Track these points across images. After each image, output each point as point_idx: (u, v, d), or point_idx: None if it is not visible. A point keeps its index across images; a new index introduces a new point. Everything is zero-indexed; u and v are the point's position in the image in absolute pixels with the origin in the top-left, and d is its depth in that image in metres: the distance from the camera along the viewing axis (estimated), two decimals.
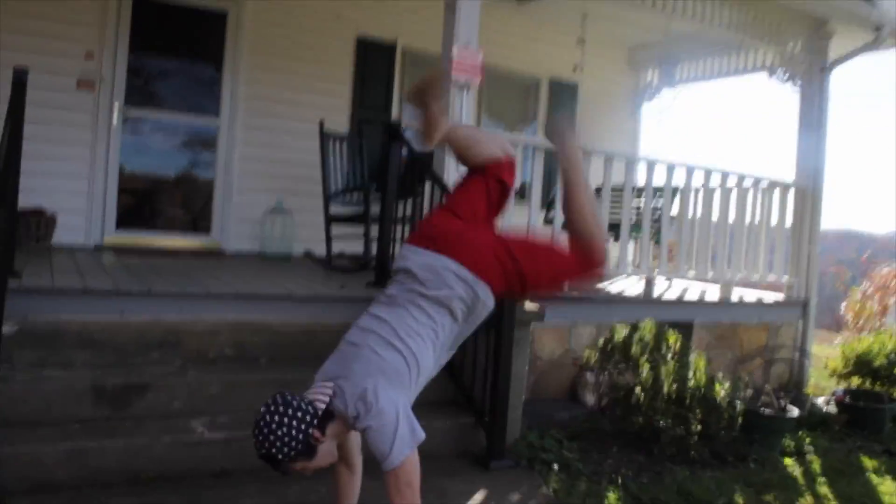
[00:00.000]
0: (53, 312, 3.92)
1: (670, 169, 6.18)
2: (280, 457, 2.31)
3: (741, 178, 6.57)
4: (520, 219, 5.72)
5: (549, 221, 6.22)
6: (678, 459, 4.15)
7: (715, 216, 6.54)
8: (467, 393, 4.19)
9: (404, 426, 2.33)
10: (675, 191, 6.45)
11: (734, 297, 6.75)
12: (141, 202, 7.01)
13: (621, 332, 4.42)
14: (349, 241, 6.28)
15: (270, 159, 7.09)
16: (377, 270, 5.25)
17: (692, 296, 6.54)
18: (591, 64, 8.57)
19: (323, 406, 2.39)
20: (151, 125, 6.93)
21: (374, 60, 7.66)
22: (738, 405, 4.30)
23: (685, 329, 6.27)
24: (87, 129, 6.36)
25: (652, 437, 4.16)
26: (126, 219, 6.68)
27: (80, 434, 3.33)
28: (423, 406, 4.11)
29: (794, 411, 4.76)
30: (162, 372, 3.82)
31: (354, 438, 2.72)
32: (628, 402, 4.21)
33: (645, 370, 4.15)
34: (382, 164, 5.44)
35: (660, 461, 4.11)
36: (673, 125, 31.80)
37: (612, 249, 6.13)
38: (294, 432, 2.27)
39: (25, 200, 5.85)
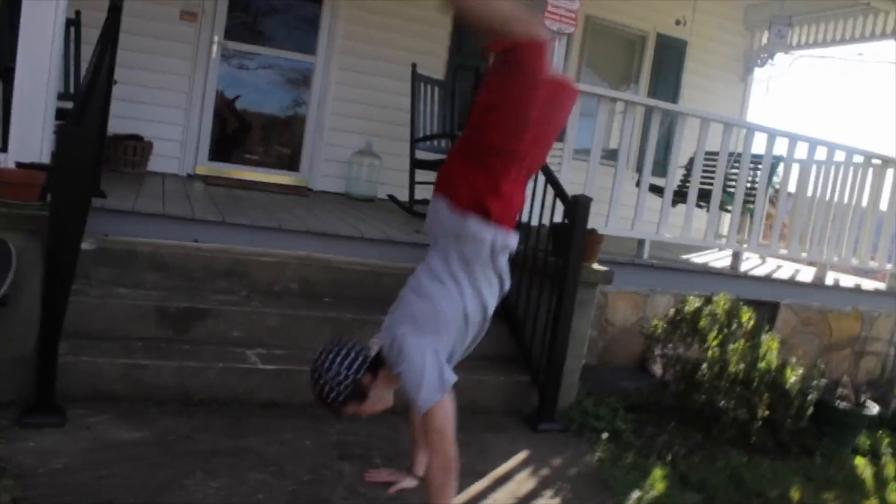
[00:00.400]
0: (131, 234, 4.09)
1: (771, 137, 5.81)
2: (330, 399, 2.36)
3: (850, 154, 6.11)
4: (606, 179, 5.54)
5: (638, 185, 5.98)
6: (738, 444, 3.98)
7: (816, 192, 6.14)
8: (526, 351, 4.12)
9: (432, 373, 2.30)
10: (774, 163, 6.08)
11: (829, 280, 6.37)
12: (235, 135, 7.17)
13: (693, 304, 4.22)
14: None
15: (363, 101, 7.08)
16: None
17: (782, 274, 6.20)
18: (702, 21, 8.14)
19: (375, 351, 2.41)
20: (248, 60, 7.05)
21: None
22: (811, 394, 4.06)
23: (771, 309, 5.99)
24: (187, 60, 6.51)
25: (712, 417, 3.99)
26: (219, 150, 6.85)
27: (140, 351, 3.47)
28: (481, 360, 4.13)
29: (874, 408, 4.47)
30: (226, 300, 3.91)
31: None
32: (692, 379, 4.04)
33: (711, 346, 3.97)
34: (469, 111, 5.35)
35: (718, 443, 3.95)
36: (784, 94, 29.95)
37: (701, 220, 5.87)
38: (343, 376, 2.32)
39: (124, 127, 6.13)
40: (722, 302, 4.18)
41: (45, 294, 3.03)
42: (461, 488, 2.97)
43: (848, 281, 6.70)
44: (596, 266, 4.09)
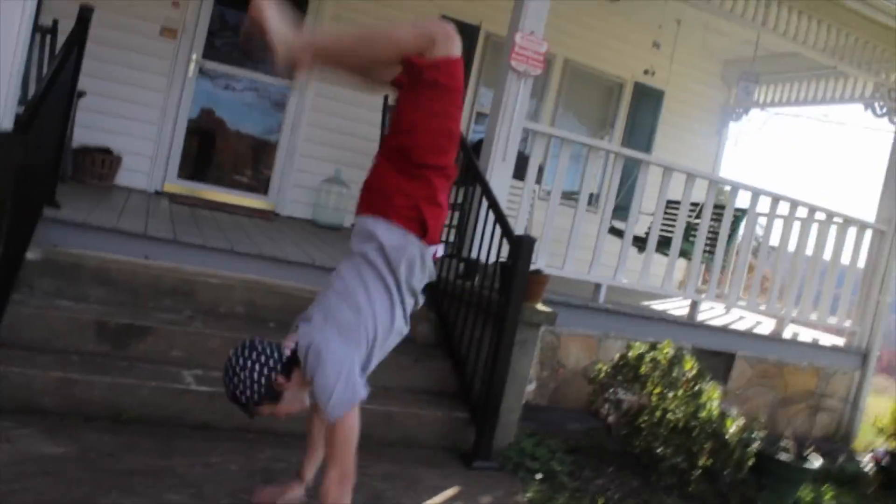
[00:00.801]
0: (81, 246, 4.08)
1: (734, 190, 5.91)
2: (244, 400, 2.34)
3: (812, 210, 6.21)
4: (591, 226, 5.59)
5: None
6: (676, 492, 3.97)
7: (777, 244, 6.22)
8: (467, 387, 4.13)
9: (346, 385, 2.30)
10: (738, 215, 6.16)
11: (786, 334, 6.42)
12: (205, 155, 7.19)
13: (637, 350, 4.24)
14: None
15: (335, 129, 7.14)
16: None
17: (740, 325, 6.25)
18: (680, 73, 8.29)
19: (289, 351, 2.39)
20: (225, 80, 7.09)
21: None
22: (751, 445, 4.07)
23: (726, 359, 6.04)
24: (164, 76, 6.55)
25: (651, 464, 3.99)
26: (188, 168, 6.86)
27: (74, 365, 3.43)
28: (423, 393, 4.15)
29: (817, 461, 4.48)
30: (169, 319, 3.89)
31: None
32: (633, 424, 4.05)
33: (652, 392, 3.99)
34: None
35: (655, 490, 3.94)
36: (757, 148, 30.47)
37: (662, 267, 5.91)
38: (256, 376, 2.30)
39: (94, 138, 6.15)
40: (665, 349, 4.19)
41: None
42: None
43: (806, 335, 6.78)
44: (540, 306, 4.10)
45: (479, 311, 4.14)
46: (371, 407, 3.76)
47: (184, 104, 6.66)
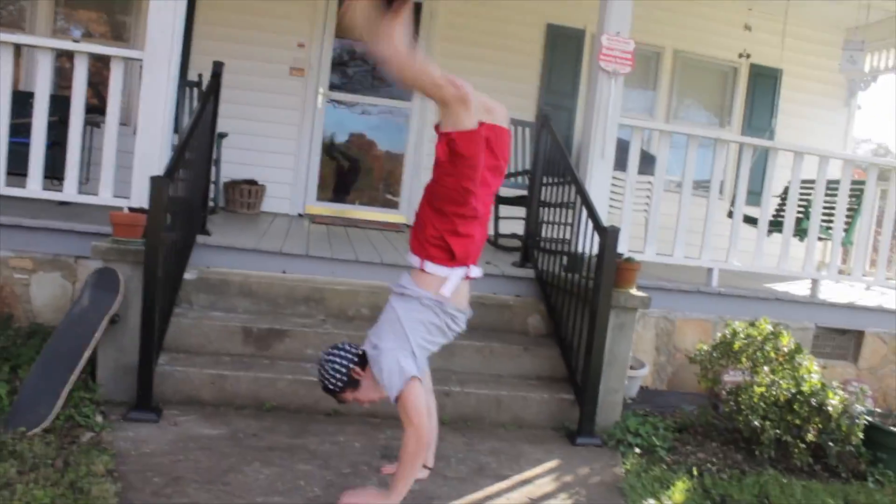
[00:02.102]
0: (228, 266, 4.75)
1: (846, 164, 5.83)
2: (331, 387, 2.84)
3: None
4: (696, 209, 5.72)
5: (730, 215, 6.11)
6: (781, 465, 4.06)
7: None
8: (573, 371, 4.42)
9: (393, 369, 2.71)
10: (855, 189, 6.07)
11: None
12: (339, 177, 7.92)
13: (732, 328, 4.37)
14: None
15: None
16: (522, 250, 5.58)
17: (867, 302, 6.10)
18: (796, 48, 8.12)
19: (360, 351, 2.87)
20: (351, 108, 7.77)
21: (562, 47, 7.88)
22: (860, 417, 4.10)
23: (855, 337, 5.94)
24: (296, 110, 7.29)
25: (754, 439, 4.11)
26: (323, 190, 7.58)
27: (225, 365, 4.08)
28: (534, 379, 4.51)
29: None
30: (303, 323, 4.48)
31: (426, 384, 3.04)
32: (735, 400, 4.18)
33: (744, 368, 4.11)
34: (535, 150, 5.73)
35: (760, 464, 4.06)
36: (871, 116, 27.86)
37: (788, 247, 5.87)
38: (338, 367, 2.80)
39: (241, 172, 6.97)
40: (762, 325, 4.30)
41: (143, 316, 3.67)
42: (481, 487, 3.36)
43: None
44: (634, 291, 4.34)
45: (580, 300, 4.43)
46: (482, 392, 4.21)
47: (315, 133, 7.38)
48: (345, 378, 2.80)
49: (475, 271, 2.86)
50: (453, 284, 2.78)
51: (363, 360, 2.83)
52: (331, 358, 2.82)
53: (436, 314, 2.79)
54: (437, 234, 2.73)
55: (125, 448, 3.30)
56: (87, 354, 3.59)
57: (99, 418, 3.52)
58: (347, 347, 2.86)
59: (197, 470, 3.17)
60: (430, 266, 2.77)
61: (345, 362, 2.80)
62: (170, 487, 3.00)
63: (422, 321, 2.78)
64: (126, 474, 3.06)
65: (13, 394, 3.51)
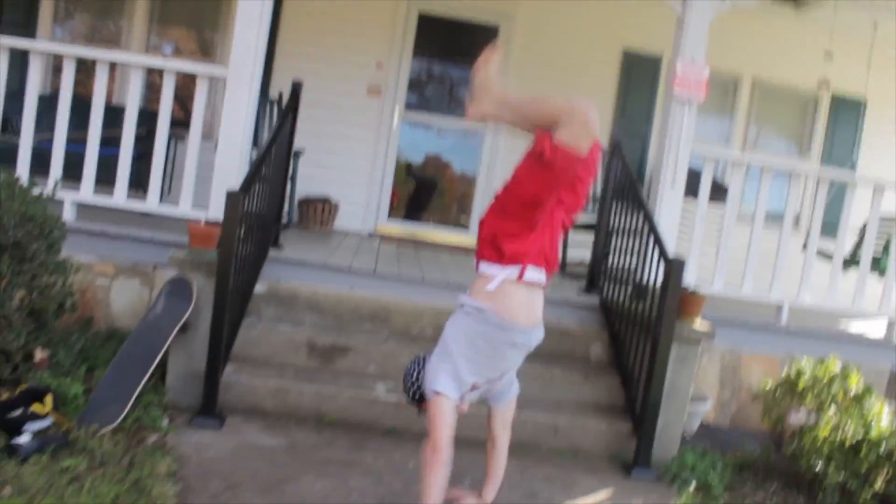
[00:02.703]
0: (297, 280, 4.88)
1: None
2: (409, 396, 2.92)
3: None
4: (768, 242, 5.60)
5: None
6: None
7: None
8: (632, 402, 4.38)
9: (428, 377, 2.80)
10: None
11: None
12: (411, 197, 8.04)
13: (799, 366, 4.25)
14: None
15: None
16: (588, 277, 5.56)
17: None
18: (883, 77, 7.86)
19: None
20: (426, 128, 7.89)
21: (638, 73, 7.83)
22: None
23: None
24: (371, 129, 7.44)
25: (816, 483, 3.99)
26: (395, 210, 7.70)
27: (289, 377, 4.19)
28: (591, 408, 4.52)
29: None
30: (367, 339, 4.57)
31: (499, 416, 3.11)
32: (799, 441, 4.07)
33: (811, 409, 4.00)
34: (605, 177, 5.71)
35: None
36: None
37: (864, 285, 5.67)
38: (416, 378, 2.86)
39: (315, 189, 7.16)
40: (830, 365, 4.17)
41: (212, 325, 3.82)
42: None
43: None
44: (698, 324, 4.28)
45: (643, 330, 4.39)
46: (540, 418, 4.21)
47: (390, 153, 7.52)
48: (421, 391, 2.83)
49: (532, 273, 2.71)
50: (499, 281, 2.69)
51: None
52: (413, 370, 2.90)
53: (477, 323, 2.73)
54: (491, 234, 2.70)
55: (187, 452, 3.44)
56: (157, 360, 3.75)
57: (165, 421, 3.67)
58: (425, 361, 2.91)
59: (254, 477, 3.28)
60: (482, 266, 2.75)
61: (422, 375, 2.85)
62: (227, 492, 3.11)
63: (464, 332, 2.77)
64: (187, 477, 3.18)
65: (88, 392, 3.69)
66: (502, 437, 3.13)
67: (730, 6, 5.29)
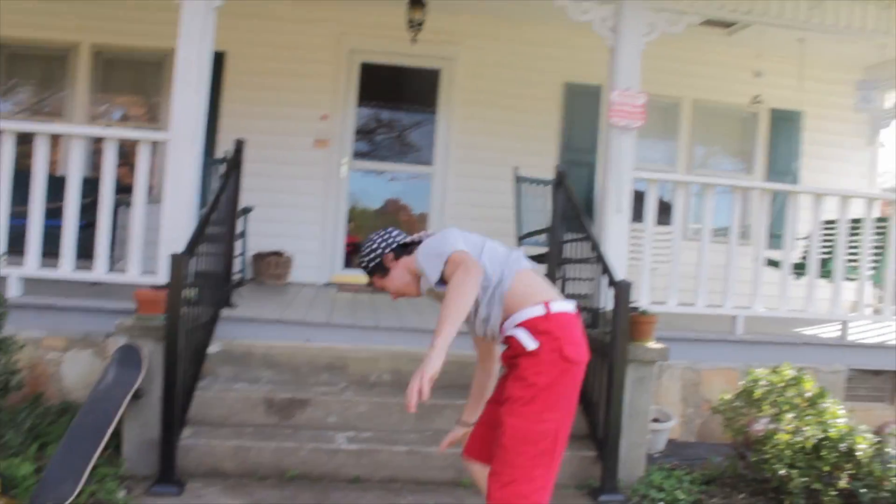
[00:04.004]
0: (253, 337, 4.86)
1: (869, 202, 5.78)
2: (363, 263, 2.83)
3: None
4: (719, 256, 5.68)
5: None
6: None
7: None
8: (594, 427, 4.39)
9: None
10: (880, 225, 5.99)
11: None
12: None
13: (754, 375, 4.31)
14: None
15: (477, 203, 7.71)
16: None
17: None
18: (815, 90, 8.13)
19: (406, 240, 2.84)
20: (374, 175, 7.96)
21: (580, 104, 7.98)
22: (893, 462, 3.99)
23: (892, 377, 5.78)
24: (321, 180, 7.49)
25: (782, 488, 4.02)
26: (351, 259, 7.71)
27: (248, 435, 4.14)
28: None
29: None
30: (325, 391, 4.54)
31: (493, 345, 2.92)
32: (761, 449, 4.10)
33: (770, 416, 4.04)
34: (553, 207, 5.79)
35: None
36: None
37: (813, 289, 5.78)
38: (375, 248, 2.78)
39: (269, 244, 7.15)
40: (783, 371, 4.24)
41: (164, 390, 3.78)
42: None
43: None
44: (651, 344, 4.33)
45: (600, 355, 4.41)
46: None
47: (341, 202, 7.56)
48: (377, 260, 2.77)
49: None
50: None
51: (399, 249, 2.78)
52: (374, 238, 2.81)
53: None
54: None
55: None
56: (111, 430, 3.68)
57: (122, 493, 3.60)
58: (390, 233, 2.83)
59: None
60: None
61: (382, 245, 2.78)
62: None
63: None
64: None
65: (40, 471, 3.61)
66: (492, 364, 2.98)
67: (658, 34, 5.44)
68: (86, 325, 4.80)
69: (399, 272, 2.78)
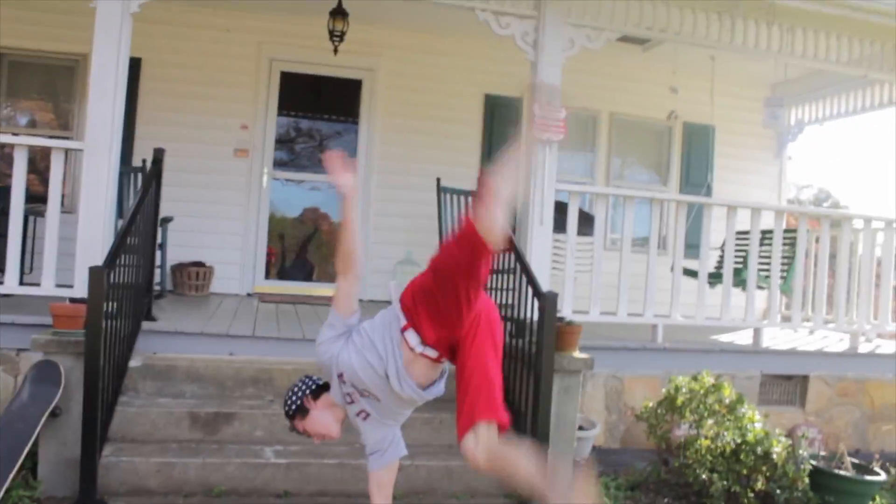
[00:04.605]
0: (175, 351, 4.74)
1: (778, 215, 6.07)
2: (285, 410, 2.89)
3: (867, 221, 6.26)
4: (639, 265, 5.85)
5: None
6: None
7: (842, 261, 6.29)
8: (520, 437, 4.45)
9: None
10: (788, 236, 6.31)
11: (863, 349, 6.38)
12: (285, 254, 7.99)
13: (676, 383, 4.47)
14: None
15: (402, 214, 7.72)
16: None
17: (809, 346, 6.27)
18: (725, 106, 8.48)
19: (322, 382, 2.91)
20: (294, 185, 7.90)
21: (500, 115, 8.09)
22: (805, 462, 4.19)
23: (801, 382, 6.08)
24: (241, 190, 7.37)
25: (703, 492, 4.17)
26: (273, 268, 7.61)
27: (173, 452, 4.03)
28: None
29: (882, 475, 4.51)
30: (251, 405, 4.46)
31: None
32: (683, 454, 4.25)
33: (690, 422, 4.20)
34: None
35: None
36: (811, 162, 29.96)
37: (728, 298, 6.00)
38: (294, 396, 2.87)
39: (189, 255, 6.97)
40: (703, 379, 4.40)
41: (84, 407, 3.64)
42: None
43: (889, 347, 6.67)
44: (577, 354, 4.43)
45: (526, 365, 4.49)
46: (433, 463, 4.20)
47: (262, 213, 7.45)
48: (297, 405, 2.83)
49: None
50: None
51: (317, 391, 2.86)
52: (293, 387, 2.89)
53: None
54: None
55: None
56: (26, 451, 3.53)
57: None
58: (308, 380, 2.90)
59: None
60: None
61: (300, 392, 2.85)
62: None
63: None
64: None
65: None
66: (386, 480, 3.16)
67: (578, 49, 5.58)
68: None
69: (319, 412, 2.85)
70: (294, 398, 2.85)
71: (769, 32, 5.99)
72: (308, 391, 2.86)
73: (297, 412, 2.85)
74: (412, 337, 2.66)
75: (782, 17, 5.76)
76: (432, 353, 2.67)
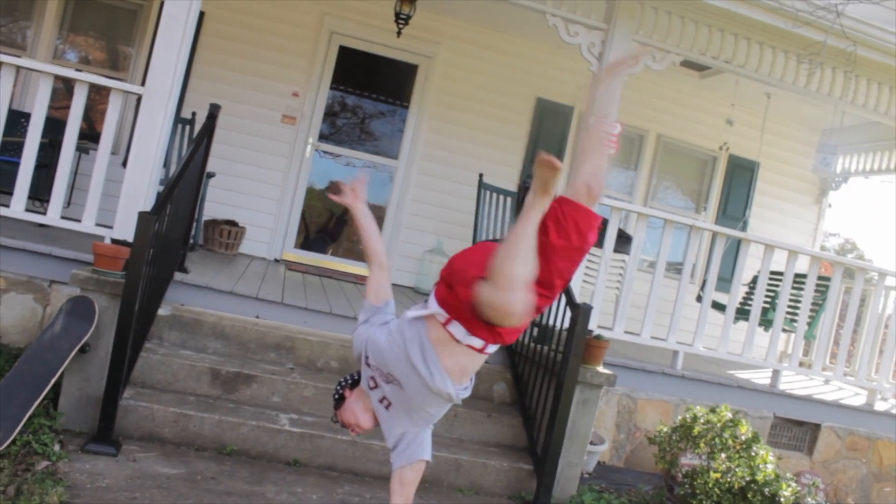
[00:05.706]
0: (202, 305, 4.78)
1: (814, 261, 6.03)
2: (333, 402, 2.94)
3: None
4: (666, 290, 5.82)
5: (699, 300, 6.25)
6: None
7: (870, 316, 6.25)
8: (534, 442, 4.47)
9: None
10: (820, 284, 6.26)
11: (880, 406, 6.34)
12: (314, 225, 8.03)
13: (693, 412, 4.46)
14: None
15: (438, 203, 7.74)
16: None
17: (826, 396, 6.24)
18: (773, 144, 8.44)
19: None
20: (338, 160, 7.89)
21: (550, 120, 8.08)
22: None
23: (812, 430, 6.05)
24: (284, 157, 7.39)
25: None
26: (300, 238, 7.64)
27: (190, 404, 4.07)
28: (493, 446, 4.56)
29: None
30: (272, 370, 4.49)
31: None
32: (692, 484, 4.25)
33: (702, 453, 4.19)
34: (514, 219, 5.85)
35: None
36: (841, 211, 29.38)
37: (753, 336, 5.97)
38: (338, 386, 2.93)
39: (222, 212, 7.02)
40: (722, 412, 4.39)
41: (114, 348, 3.68)
42: None
43: None
44: (600, 369, 4.43)
45: (547, 371, 4.50)
46: (442, 455, 4.22)
47: (301, 181, 7.48)
48: (337, 395, 2.90)
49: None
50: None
51: (354, 384, 2.90)
52: (342, 377, 2.97)
53: None
54: None
55: (81, 480, 3.28)
56: (52, 381, 3.57)
57: (57, 447, 3.49)
58: (351, 373, 2.96)
59: None
60: None
61: (342, 383, 2.92)
62: None
63: None
64: None
65: None
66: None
67: (641, 68, 5.56)
68: (30, 269, 4.63)
69: (353, 400, 2.87)
70: (338, 387, 2.93)
71: (833, 78, 5.95)
72: (349, 382, 2.92)
73: (337, 402, 2.91)
74: (457, 329, 2.61)
75: (861, 67, 5.72)
76: (477, 343, 2.60)
